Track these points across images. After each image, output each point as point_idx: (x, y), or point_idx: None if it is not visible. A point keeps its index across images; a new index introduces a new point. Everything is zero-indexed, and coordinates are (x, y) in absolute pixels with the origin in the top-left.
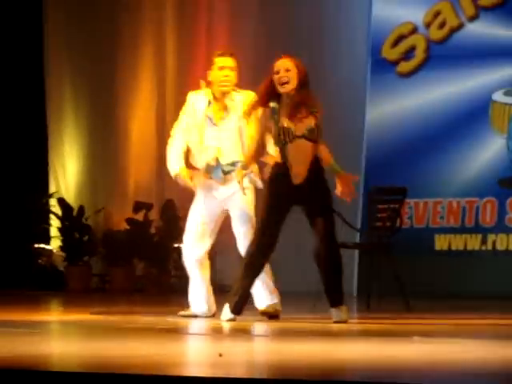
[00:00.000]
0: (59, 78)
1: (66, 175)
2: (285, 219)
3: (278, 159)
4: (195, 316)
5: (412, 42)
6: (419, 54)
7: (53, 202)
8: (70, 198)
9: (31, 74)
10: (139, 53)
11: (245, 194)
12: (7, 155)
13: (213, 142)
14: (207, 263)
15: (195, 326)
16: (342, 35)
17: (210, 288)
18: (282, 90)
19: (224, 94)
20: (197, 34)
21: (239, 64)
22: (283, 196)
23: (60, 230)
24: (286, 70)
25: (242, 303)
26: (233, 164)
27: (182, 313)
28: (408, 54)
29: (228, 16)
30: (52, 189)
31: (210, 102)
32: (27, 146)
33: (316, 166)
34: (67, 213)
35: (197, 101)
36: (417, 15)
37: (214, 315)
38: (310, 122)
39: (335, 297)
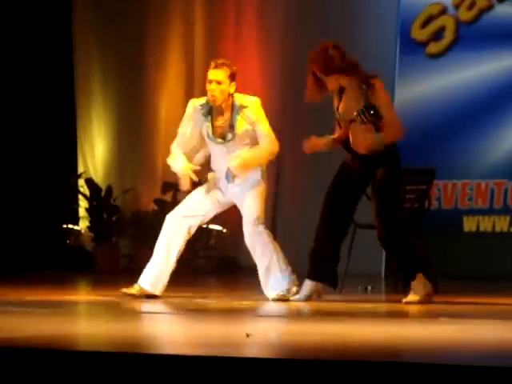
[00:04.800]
0: (87, 57)
1: (95, 155)
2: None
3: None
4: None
5: (441, 22)
6: (448, 35)
7: (81, 182)
8: (99, 178)
9: (59, 54)
10: (168, 32)
11: None
12: (36, 136)
13: (220, 162)
14: (180, 242)
15: (222, 306)
16: (371, 16)
17: (166, 267)
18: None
19: (223, 107)
20: (226, 14)
21: (268, 48)
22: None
23: (88, 210)
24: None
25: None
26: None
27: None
28: (437, 35)
29: None
30: (80, 169)
31: (209, 116)
32: (56, 126)
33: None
34: (95, 193)
35: (196, 113)
36: None
37: (155, 296)
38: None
39: (403, 278)
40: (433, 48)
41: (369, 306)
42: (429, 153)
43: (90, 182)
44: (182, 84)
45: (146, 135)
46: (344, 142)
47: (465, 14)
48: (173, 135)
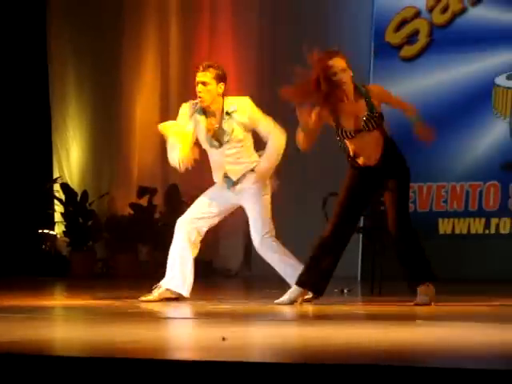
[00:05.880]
0: (62, 62)
1: (70, 160)
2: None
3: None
4: (161, 299)
5: (415, 26)
6: (422, 39)
7: (56, 187)
8: (74, 183)
9: (34, 58)
10: (143, 38)
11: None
12: (11, 141)
13: (217, 163)
14: (195, 243)
15: (198, 310)
16: (345, 20)
17: (190, 269)
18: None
19: (214, 109)
20: (200, 18)
21: (243, 53)
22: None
23: (64, 215)
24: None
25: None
26: (244, 175)
27: (143, 298)
28: (411, 39)
29: (231, 1)
30: (56, 174)
31: (203, 115)
32: (31, 131)
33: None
34: (71, 198)
35: (190, 110)
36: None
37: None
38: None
39: (413, 276)
40: (407, 51)
41: (345, 308)
42: (404, 156)
43: (65, 187)
44: (157, 90)
45: (121, 140)
46: (349, 157)
47: (438, 18)
48: (147, 140)
